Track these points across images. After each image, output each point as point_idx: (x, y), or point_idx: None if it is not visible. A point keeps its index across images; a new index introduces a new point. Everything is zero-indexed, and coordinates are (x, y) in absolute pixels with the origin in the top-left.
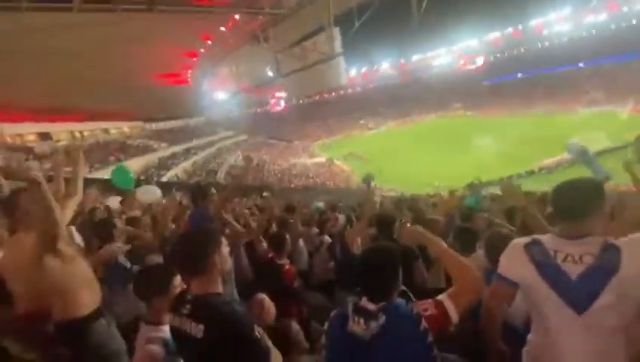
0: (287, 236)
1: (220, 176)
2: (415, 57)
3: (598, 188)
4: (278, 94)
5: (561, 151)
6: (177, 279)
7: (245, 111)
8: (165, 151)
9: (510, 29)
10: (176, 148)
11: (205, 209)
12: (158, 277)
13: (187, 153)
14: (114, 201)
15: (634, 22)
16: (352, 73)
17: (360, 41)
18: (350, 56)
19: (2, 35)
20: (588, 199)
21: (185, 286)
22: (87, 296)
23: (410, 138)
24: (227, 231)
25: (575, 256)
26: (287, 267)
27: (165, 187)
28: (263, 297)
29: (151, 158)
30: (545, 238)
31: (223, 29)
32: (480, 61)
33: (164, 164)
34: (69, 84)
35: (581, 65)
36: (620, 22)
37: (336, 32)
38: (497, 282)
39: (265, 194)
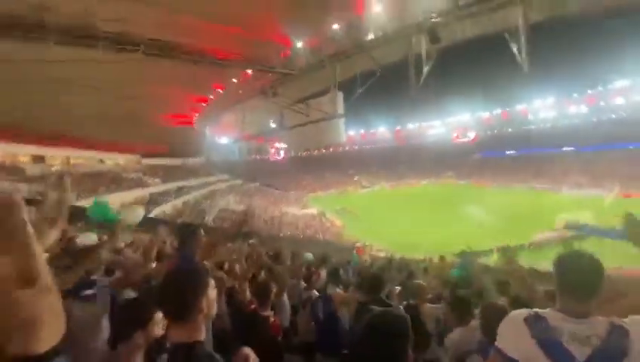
0: (274, 287)
1: (209, 218)
2: (411, 126)
3: (602, 267)
4: (278, 145)
5: (549, 228)
6: (159, 314)
7: (244, 158)
8: (158, 187)
9: (499, 110)
10: (169, 186)
11: (192, 252)
12: (141, 309)
13: (179, 191)
14: (89, 238)
15: (613, 116)
16: (351, 133)
17: (360, 106)
18: (350, 118)
19: (23, 63)
20: (599, 278)
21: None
22: (52, 332)
23: (401, 200)
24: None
25: (581, 337)
26: (272, 319)
27: (150, 223)
28: (248, 352)
29: (142, 193)
30: (547, 313)
31: (234, 80)
32: (471, 135)
33: (154, 200)
34: (76, 113)
35: (564, 149)
36: (600, 115)
37: (340, 95)
38: (495, 356)
39: (252, 241)
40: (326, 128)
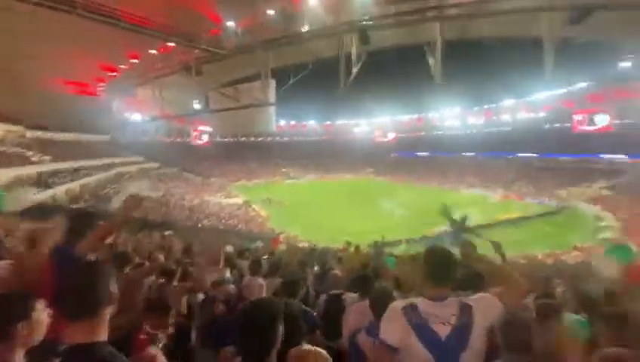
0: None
1: (114, 205)
2: (339, 122)
3: (453, 257)
4: (202, 128)
5: (442, 224)
6: (41, 302)
7: (160, 139)
8: (47, 165)
9: (415, 115)
10: (63, 165)
11: (73, 247)
12: (19, 300)
13: (76, 173)
14: None
15: (501, 129)
16: (281, 123)
17: (291, 97)
18: (280, 108)
19: None
20: (451, 267)
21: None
22: None
23: (325, 192)
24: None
25: (442, 318)
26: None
27: (36, 211)
28: (155, 353)
29: (27, 172)
30: (418, 301)
31: (153, 51)
32: (391, 136)
33: (44, 181)
34: None
35: (464, 154)
36: (491, 127)
37: (272, 83)
38: (379, 346)
39: (167, 232)
40: (256, 115)
